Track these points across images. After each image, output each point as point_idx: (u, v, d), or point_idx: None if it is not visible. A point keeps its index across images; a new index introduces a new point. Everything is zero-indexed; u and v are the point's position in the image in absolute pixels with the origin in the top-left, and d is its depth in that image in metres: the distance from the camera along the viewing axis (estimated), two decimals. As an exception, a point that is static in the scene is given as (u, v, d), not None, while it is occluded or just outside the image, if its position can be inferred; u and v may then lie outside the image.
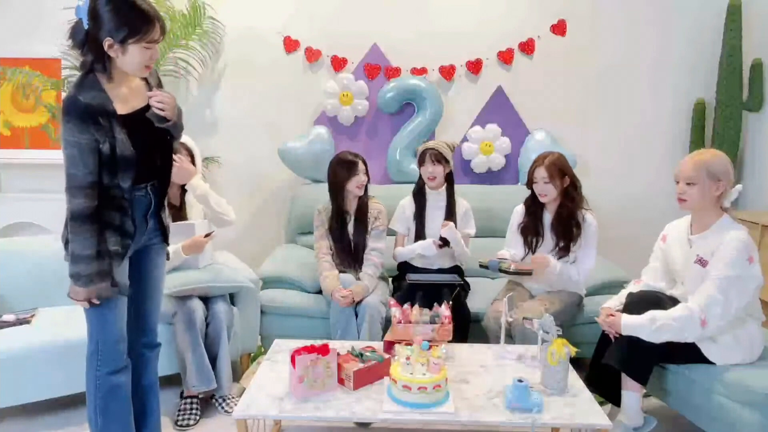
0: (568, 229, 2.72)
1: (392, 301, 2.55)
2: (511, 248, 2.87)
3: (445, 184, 3.03)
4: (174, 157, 2.51)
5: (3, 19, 3.74)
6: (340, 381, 2.06)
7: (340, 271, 2.92)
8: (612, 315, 2.28)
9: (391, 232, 3.12)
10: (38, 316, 2.70)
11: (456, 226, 2.97)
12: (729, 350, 2.12)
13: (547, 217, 2.79)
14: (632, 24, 3.78)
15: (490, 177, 3.84)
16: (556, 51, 3.80)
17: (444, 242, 2.93)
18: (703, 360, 2.14)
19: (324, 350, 2.01)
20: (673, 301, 2.25)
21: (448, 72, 3.82)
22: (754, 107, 3.63)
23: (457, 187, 3.06)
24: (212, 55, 3.81)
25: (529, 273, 2.69)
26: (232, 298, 2.84)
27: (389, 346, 2.26)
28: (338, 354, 2.09)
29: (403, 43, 3.79)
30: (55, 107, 3.63)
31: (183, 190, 2.83)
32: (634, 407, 2.23)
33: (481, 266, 2.75)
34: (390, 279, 3.15)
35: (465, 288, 2.98)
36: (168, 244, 2.08)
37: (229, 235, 3.65)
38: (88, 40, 1.71)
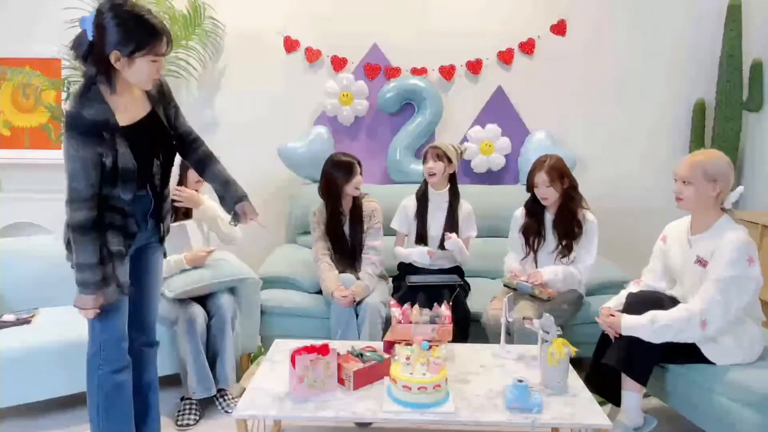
0: (570, 229, 2.73)
1: (392, 301, 2.55)
2: (514, 252, 2.88)
3: (448, 185, 3.03)
4: (175, 190, 2.59)
5: (3, 19, 3.74)
6: (340, 381, 2.06)
7: (340, 272, 2.92)
8: (612, 315, 2.28)
9: (391, 231, 3.12)
10: (38, 316, 2.70)
11: (458, 228, 2.97)
12: (729, 350, 2.12)
13: (548, 218, 2.79)
14: (632, 24, 3.78)
15: (490, 177, 3.84)
16: (556, 51, 3.80)
17: (441, 246, 2.95)
18: (703, 360, 2.14)
19: (324, 350, 2.00)
20: (673, 302, 2.25)
21: (448, 72, 3.82)
22: (754, 107, 3.63)
23: (458, 189, 3.06)
24: (212, 55, 3.81)
25: (554, 295, 2.66)
26: (233, 292, 2.83)
27: (389, 346, 2.26)
28: (338, 354, 2.09)
29: (403, 43, 3.79)
30: (54, 107, 3.62)
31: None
32: (634, 407, 2.23)
33: (505, 286, 2.70)
34: (390, 279, 3.15)
35: (465, 288, 2.98)
36: (163, 244, 2.10)
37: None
38: (92, 52, 1.69)
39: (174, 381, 2.65)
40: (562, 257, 2.74)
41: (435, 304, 2.49)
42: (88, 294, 1.78)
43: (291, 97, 3.87)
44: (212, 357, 2.63)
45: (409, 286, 2.90)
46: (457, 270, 3.08)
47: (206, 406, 2.62)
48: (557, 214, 2.76)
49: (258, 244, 3.51)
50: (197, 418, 2.54)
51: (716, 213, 2.20)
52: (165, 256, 2.16)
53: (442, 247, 2.97)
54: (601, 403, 2.06)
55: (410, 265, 3.05)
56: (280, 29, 3.81)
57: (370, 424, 2.40)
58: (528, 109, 3.83)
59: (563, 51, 3.80)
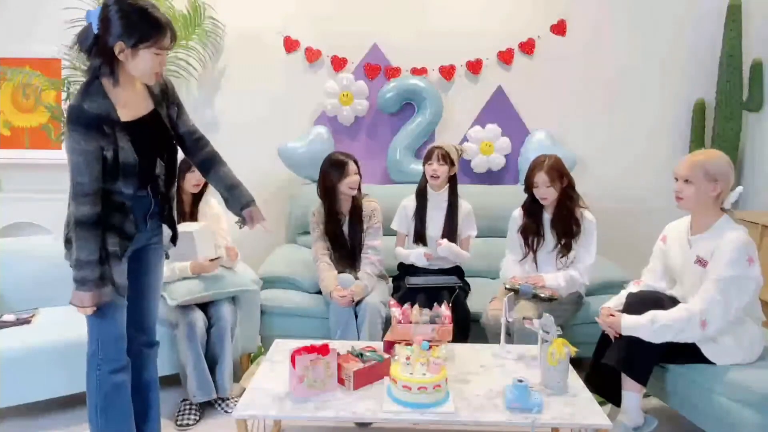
0: (568, 228, 2.73)
1: (392, 301, 2.56)
2: (512, 255, 2.88)
3: (448, 186, 3.03)
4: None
5: (3, 19, 3.73)
6: (340, 381, 2.06)
7: (339, 272, 2.92)
8: (612, 315, 2.28)
9: (392, 231, 3.12)
10: (39, 316, 2.70)
11: (457, 228, 2.97)
12: (729, 350, 2.12)
13: (546, 218, 2.79)
14: (632, 24, 3.78)
15: (490, 177, 3.84)
16: (556, 51, 3.80)
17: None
18: (703, 360, 2.14)
19: (324, 350, 2.01)
20: (673, 302, 2.25)
21: (448, 72, 3.82)
22: (754, 107, 3.63)
23: (458, 188, 3.06)
24: (212, 55, 3.80)
25: (556, 295, 2.65)
26: (233, 299, 2.84)
27: (389, 346, 2.26)
28: (338, 354, 2.09)
29: (403, 43, 3.79)
30: (54, 107, 3.62)
31: (195, 197, 2.83)
32: (634, 407, 2.23)
33: (507, 289, 2.67)
34: (390, 279, 3.15)
35: (465, 289, 2.98)
36: (171, 245, 2.09)
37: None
38: (96, 44, 1.72)
39: (174, 381, 2.65)
40: (562, 256, 2.74)
41: (435, 304, 2.49)
42: (85, 291, 1.78)
43: (291, 97, 3.87)
44: (211, 362, 2.63)
45: (408, 287, 2.90)
46: (457, 270, 3.08)
47: (206, 406, 2.63)
48: (555, 213, 2.76)
49: (258, 244, 3.51)
50: (197, 418, 2.54)
51: (716, 213, 2.20)
52: (167, 257, 2.16)
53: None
54: (601, 403, 2.06)
55: (410, 265, 3.04)
56: (280, 29, 3.81)
57: (370, 424, 2.40)
58: (528, 109, 3.83)
59: (563, 51, 3.80)
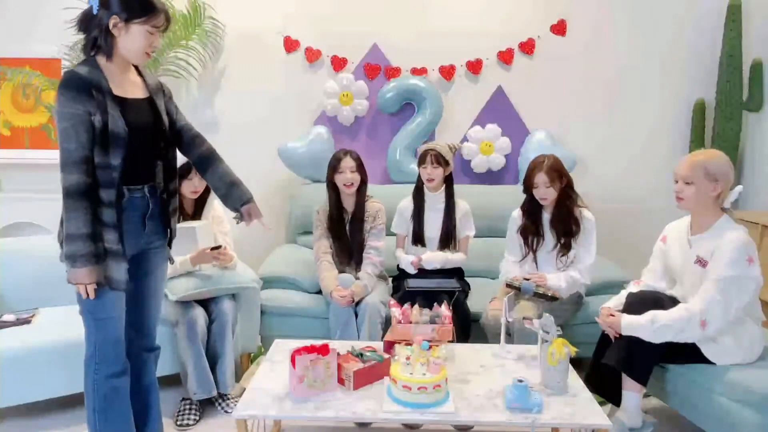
0: (568, 227, 2.73)
1: (392, 301, 2.56)
2: (511, 256, 2.88)
3: (444, 186, 3.02)
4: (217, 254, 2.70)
5: (3, 19, 3.73)
6: (340, 381, 2.06)
7: (340, 271, 2.92)
8: (612, 315, 2.28)
9: (392, 233, 3.12)
10: (39, 316, 2.70)
11: (455, 228, 2.98)
12: (729, 350, 2.12)
13: (545, 217, 2.79)
14: (632, 24, 3.78)
15: (490, 177, 3.84)
16: (556, 51, 3.80)
17: (439, 247, 2.96)
18: (703, 360, 2.14)
19: (324, 350, 2.00)
20: (673, 302, 2.25)
21: (448, 72, 3.82)
22: (754, 107, 3.63)
23: (456, 187, 3.04)
24: (212, 55, 3.81)
25: (558, 294, 2.65)
26: (234, 297, 2.83)
27: (389, 346, 2.25)
28: (338, 354, 2.09)
29: (403, 43, 3.79)
30: (54, 107, 3.63)
31: (198, 201, 2.83)
32: (634, 407, 2.23)
33: (508, 286, 2.68)
34: (390, 279, 3.15)
35: (465, 290, 2.97)
36: (170, 247, 2.09)
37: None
38: (94, 22, 1.77)
39: (174, 381, 2.65)
40: (562, 256, 2.74)
41: (435, 303, 2.49)
42: (78, 267, 1.73)
43: (291, 97, 3.87)
44: (212, 360, 2.63)
45: (407, 291, 2.89)
46: (458, 271, 3.08)
47: (206, 406, 2.63)
48: (555, 213, 2.76)
49: (258, 244, 3.51)
50: (197, 418, 2.54)
51: (716, 213, 2.20)
52: (171, 262, 2.15)
53: (440, 248, 2.98)
54: (601, 403, 2.06)
55: (410, 265, 3.05)
56: (280, 29, 3.81)
57: (370, 424, 2.40)
58: (528, 109, 3.83)
59: (563, 51, 3.80)
